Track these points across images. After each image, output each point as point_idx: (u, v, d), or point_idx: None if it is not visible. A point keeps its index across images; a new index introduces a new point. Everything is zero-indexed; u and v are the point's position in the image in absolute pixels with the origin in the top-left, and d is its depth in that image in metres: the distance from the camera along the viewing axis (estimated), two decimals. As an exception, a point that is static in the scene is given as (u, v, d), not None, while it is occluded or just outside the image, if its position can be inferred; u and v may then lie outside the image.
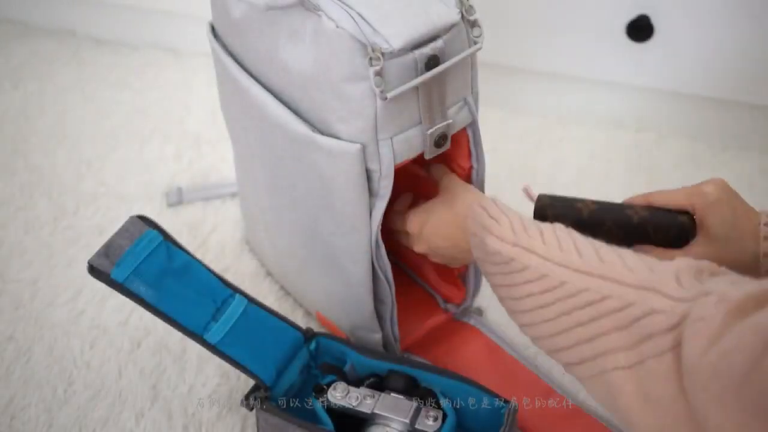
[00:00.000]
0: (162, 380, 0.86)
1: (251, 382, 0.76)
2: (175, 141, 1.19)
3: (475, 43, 0.66)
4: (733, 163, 1.15)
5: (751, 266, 0.65)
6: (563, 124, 1.23)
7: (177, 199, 1.08)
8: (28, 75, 1.33)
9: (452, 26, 0.64)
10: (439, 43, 0.63)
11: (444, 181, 0.76)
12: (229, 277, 0.97)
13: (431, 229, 0.74)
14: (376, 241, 0.72)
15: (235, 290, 0.77)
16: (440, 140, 0.69)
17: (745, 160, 1.16)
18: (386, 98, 0.62)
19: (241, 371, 0.75)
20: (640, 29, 1.10)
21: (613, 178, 1.14)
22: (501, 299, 0.63)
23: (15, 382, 0.86)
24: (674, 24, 1.09)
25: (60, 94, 1.29)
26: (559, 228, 0.60)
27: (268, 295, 0.95)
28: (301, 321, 0.92)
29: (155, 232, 0.73)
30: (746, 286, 0.45)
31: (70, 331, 0.91)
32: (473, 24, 0.66)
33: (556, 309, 0.55)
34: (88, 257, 0.70)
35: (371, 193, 0.69)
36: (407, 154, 0.68)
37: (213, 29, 0.81)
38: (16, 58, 1.38)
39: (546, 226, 0.60)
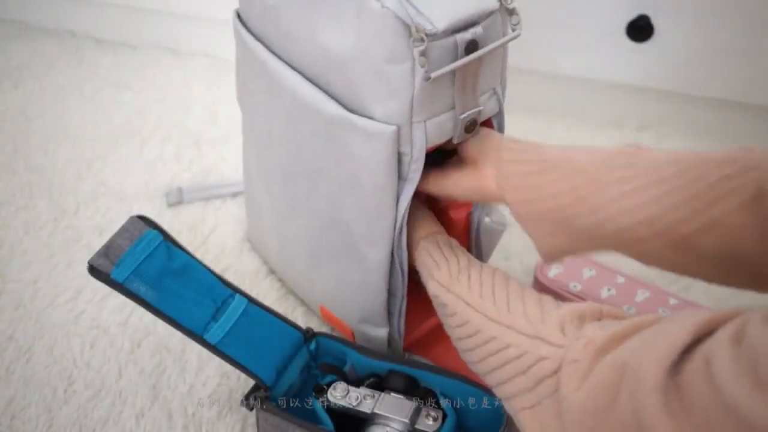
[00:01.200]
0: (162, 380, 0.86)
1: (251, 382, 0.76)
2: (175, 141, 1.19)
3: (513, 30, 0.67)
4: (733, 163, 1.15)
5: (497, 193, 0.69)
6: (563, 124, 1.23)
7: (177, 199, 1.08)
8: (28, 75, 1.33)
9: (491, 13, 0.65)
10: (478, 28, 0.64)
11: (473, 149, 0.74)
12: (230, 277, 0.97)
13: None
14: (401, 227, 0.72)
15: (235, 290, 0.77)
16: (470, 126, 0.70)
17: (745, 160, 1.16)
18: (429, 78, 0.62)
19: (241, 371, 0.75)
20: (640, 29, 1.10)
21: (613, 178, 1.14)
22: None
23: (15, 382, 0.86)
24: (674, 24, 1.09)
25: (60, 94, 1.29)
26: (486, 272, 0.67)
27: (268, 295, 0.95)
28: (301, 320, 0.92)
29: (155, 232, 0.73)
30: (612, 328, 0.51)
31: (70, 331, 0.91)
32: (511, 12, 0.66)
33: (479, 353, 0.62)
34: (88, 257, 0.70)
35: (400, 176, 0.70)
36: (438, 139, 0.69)
37: (239, 16, 0.81)
38: (16, 58, 1.38)
39: (475, 271, 0.67)
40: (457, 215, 0.83)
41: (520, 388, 0.57)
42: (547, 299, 0.61)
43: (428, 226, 0.77)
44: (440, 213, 0.83)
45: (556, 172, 0.63)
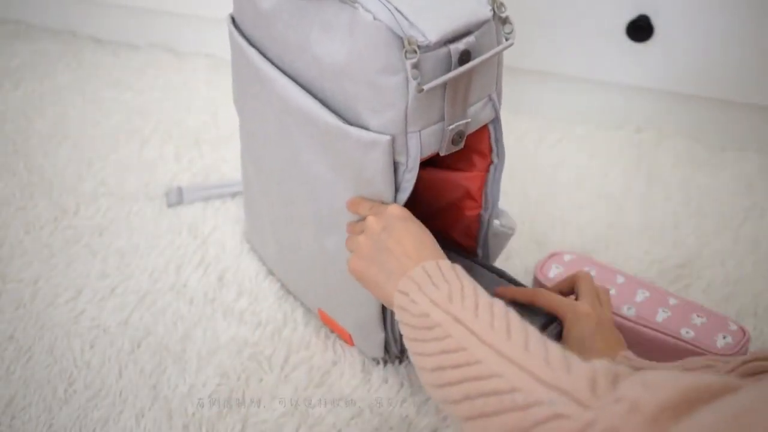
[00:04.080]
0: (162, 380, 0.86)
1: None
2: (175, 141, 1.19)
3: (507, 39, 0.67)
4: (733, 164, 1.15)
5: None
6: (563, 124, 1.23)
7: (177, 199, 1.08)
8: (28, 75, 1.33)
9: (484, 22, 0.65)
10: (471, 38, 0.64)
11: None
12: (230, 277, 0.97)
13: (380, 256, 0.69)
14: None
15: None
16: (457, 138, 0.70)
17: (745, 160, 1.16)
18: (422, 90, 0.63)
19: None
20: (640, 29, 1.10)
21: (613, 178, 1.14)
22: (407, 345, 0.60)
23: (15, 382, 0.86)
24: (674, 24, 1.09)
25: (60, 94, 1.29)
26: (498, 304, 0.57)
27: (268, 296, 0.95)
28: (301, 321, 0.92)
29: None
30: (659, 392, 0.41)
31: (70, 331, 0.91)
32: (504, 21, 0.66)
33: (465, 389, 0.51)
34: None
35: (394, 187, 0.70)
36: (431, 149, 0.69)
37: (233, 21, 0.81)
38: (16, 58, 1.38)
39: (484, 301, 0.57)
40: (470, 212, 0.83)
41: None
42: (574, 353, 0.51)
43: (426, 249, 0.66)
44: (450, 208, 0.83)
45: None
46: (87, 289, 0.96)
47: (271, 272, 0.98)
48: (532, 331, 0.53)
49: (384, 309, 0.80)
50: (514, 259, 1.00)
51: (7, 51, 1.39)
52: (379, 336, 0.82)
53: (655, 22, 1.09)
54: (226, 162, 1.15)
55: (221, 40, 1.18)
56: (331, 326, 0.89)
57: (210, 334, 0.91)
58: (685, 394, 0.40)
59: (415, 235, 0.66)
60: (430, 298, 0.59)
